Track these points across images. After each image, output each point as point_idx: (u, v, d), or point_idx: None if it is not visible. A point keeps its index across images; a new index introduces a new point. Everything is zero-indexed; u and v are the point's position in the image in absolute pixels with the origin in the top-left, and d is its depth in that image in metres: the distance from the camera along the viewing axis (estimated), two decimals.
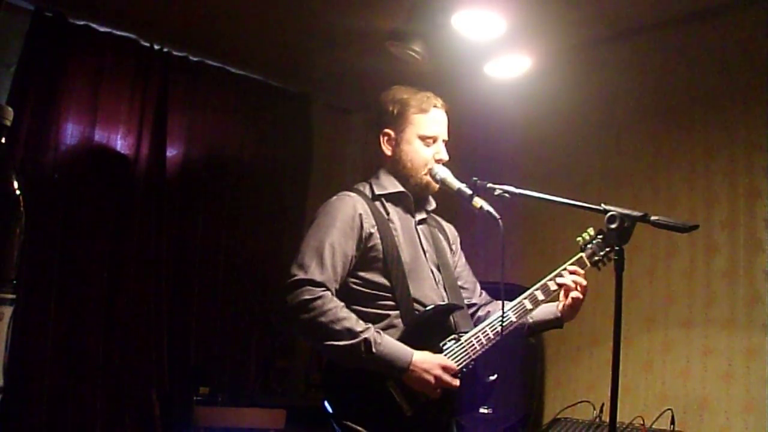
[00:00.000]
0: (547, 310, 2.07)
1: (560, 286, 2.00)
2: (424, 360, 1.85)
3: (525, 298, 1.99)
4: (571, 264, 2.02)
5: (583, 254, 2.02)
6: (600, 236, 2.01)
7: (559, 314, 2.06)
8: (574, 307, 2.02)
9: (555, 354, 3.81)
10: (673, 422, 3.00)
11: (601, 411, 3.19)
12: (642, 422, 3.05)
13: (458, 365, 1.91)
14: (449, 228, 2.30)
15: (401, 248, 2.00)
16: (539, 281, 2.02)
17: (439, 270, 2.11)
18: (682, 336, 3.32)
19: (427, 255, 2.09)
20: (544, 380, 3.83)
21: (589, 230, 2.03)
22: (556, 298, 2.05)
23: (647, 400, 3.34)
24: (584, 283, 2.00)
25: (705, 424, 3.15)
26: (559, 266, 2.03)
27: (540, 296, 2.00)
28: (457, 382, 1.88)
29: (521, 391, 3.59)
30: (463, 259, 2.27)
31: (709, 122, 3.40)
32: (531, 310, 2.00)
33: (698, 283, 3.30)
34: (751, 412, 3.03)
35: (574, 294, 1.99)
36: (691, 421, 3.17)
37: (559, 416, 3.36)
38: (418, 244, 2.08)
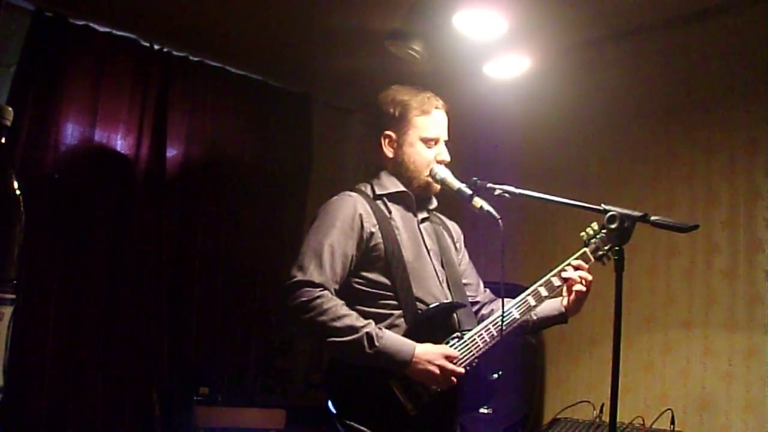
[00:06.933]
0: (551, 306, 2.06)
1: (565, 281, 1.99)
2: (426, 351, 1.85)
3: (528, 295, 1.99)
4: (575, 259, 2.00)
5: (586, 249, 2.00)
6: (604, 231, 1.94)
7: (563, 309, 2.05)
8: (579, 301, 2.01)
9: (555, 354, 3.81)
10: (673, 422, 3.00)
11: (601, 411, 3.19)
12: (642, 422, 3.05)
13: (461, 364, 1.91)
14: (453, 226, 2.29)
15: (403, 247, 2.00)
16: (542, 277, 2.01)
17: (443, 268, 2.10)
18: (682, 336, 3.32)
19: (431, 253, 2.09)
20: (544, 380, 3.83)
21: (593, 225, 2.00)
22: (559, 294, 2.04)
23: (647, 400, 3.34)
24: (589, 278, 1.99)
25: (705, 424, 3.15)
26: (563, 262, 2.02)
27: (543, 292, 1.99)
28: (461, 369, 1.88)
29: (521, 391, 3.59)
30: (467, 257, 2.27)
31: (709, 122, 3.40)
32: (534, 306, 1.99)
33: (698, 283, 3.30)
34: (751, 412, 3.03)
35: (578, 287, 1.98)
36: (691, 421, 3.17)
37: (559, 416, 3.36)
38: (421, 242, 2.08)
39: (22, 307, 1.01)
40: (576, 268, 1.99)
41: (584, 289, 1.99)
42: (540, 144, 4.04)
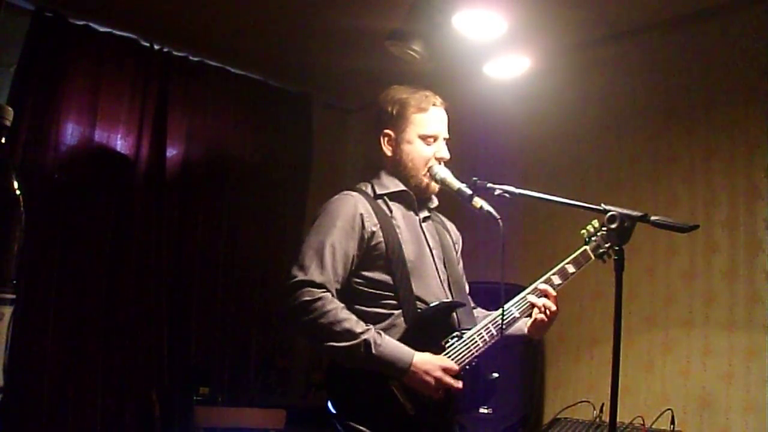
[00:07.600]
0: (518, 327, 2.04)
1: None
2: (424, 361, 1.85)
3: (529, 293, 1.98)
4: (572, 260, 2.00)
5: (587, 247, 1.99)
6: (604, 228, 1.90)
7: (526, 332, 2.04)
8: (541, 328, 2.00)
9: (555, 354, 3.81)
10: (673, 422, 3.00)
11: (601, 411, 3.19)
12: (642, 422, 3.05)
13: (461, 363, 1.90)
14: (452, 228, 2.28)
15: (405, 246, 2.00)
16: (543, 275, 2.00)
17: (444, 267, 2.10)
18: (682, 336, 3.32)
19: (433, 252, 2.08)
20: (544, 380, 3.83)
21: (593, 222, 1.99)
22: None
23: (647, 400, 3.33)
24: (553, 308, 1.96)
25: (705, 424, 3.15)
26: (564, 259, 2.01)
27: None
28: (458, 384, 1.87)
29: (521, 391, 3.59)
30: (461, 264, 2.26)
31: (709, 122, 3.40)
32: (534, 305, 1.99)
33: (698, 283, 3.30)
34: (751, 412, 3.03)
35: (539, 316, 1.96)
36: (691, 421, 3.17)
37: (559, 416, 3.36)
38: (423, 241, 2.08)
39: (22, 307, 1.00)
40: (542, 294, 1.97)
41: (545, 318, 1.97)
42: (540, 144, 4.04)
